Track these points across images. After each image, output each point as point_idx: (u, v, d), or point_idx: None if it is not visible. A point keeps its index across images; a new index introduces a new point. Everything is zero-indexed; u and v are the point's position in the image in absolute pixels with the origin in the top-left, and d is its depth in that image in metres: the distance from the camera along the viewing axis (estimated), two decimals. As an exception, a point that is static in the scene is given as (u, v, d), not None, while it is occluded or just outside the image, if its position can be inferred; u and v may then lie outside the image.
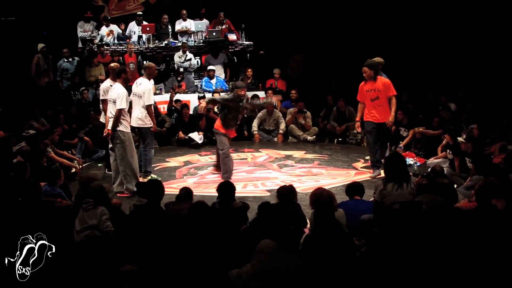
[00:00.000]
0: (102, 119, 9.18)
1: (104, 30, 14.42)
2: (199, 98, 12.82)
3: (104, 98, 8.87)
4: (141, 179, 8.70)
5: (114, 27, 14.57)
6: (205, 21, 14.90)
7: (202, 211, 5.43)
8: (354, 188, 6.60)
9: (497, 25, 12.35)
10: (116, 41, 14.38)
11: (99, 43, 14.09)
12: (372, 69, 9.08)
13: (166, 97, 13.12)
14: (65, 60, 13.64)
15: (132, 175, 8.39)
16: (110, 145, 8.57)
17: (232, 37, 14.65)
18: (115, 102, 8.28)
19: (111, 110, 8.36)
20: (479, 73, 12.59)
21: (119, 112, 8.23)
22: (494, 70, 12.37)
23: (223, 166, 9.19)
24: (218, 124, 9.30)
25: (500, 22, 12.26)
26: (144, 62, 13.89)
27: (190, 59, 14.05)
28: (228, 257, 4.69)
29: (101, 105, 9.22)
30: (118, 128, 8.28)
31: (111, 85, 8.71)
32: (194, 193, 6.64)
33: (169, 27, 14.77)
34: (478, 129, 9.66)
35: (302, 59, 14.70)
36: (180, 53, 14.06)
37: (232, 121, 9.30)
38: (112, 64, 9.30)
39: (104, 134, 8.51)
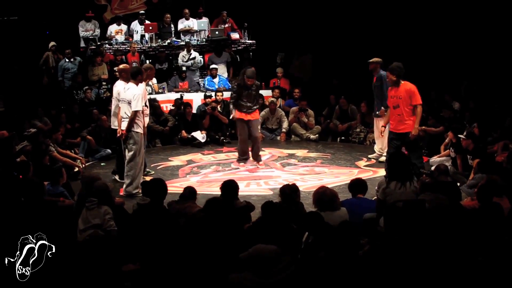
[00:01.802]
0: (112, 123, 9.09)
1: (114, 27, 14.47)
2: (206, 97, 12.80)
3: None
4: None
5: (124, 27, 14.63)
6: (206, 20, 14.90)
7: (217, 208, 5.44)
8: (357, 185, 6.55)
9: (499, 24, 12.34)
10: (124, 40, 14.43)
11: (107, 41, 14.16)
12: (393, 74, 8.53)
13: (169, 96, 13.15)
14: (67, 60, 13.65)
15: (135, 177, 8.36)
16: (123, 146, 8.54)
17: (235, 35, 14.66)
18: (129, 103, 8.24)
19: (125, 111, 8.32)
20: (481, 71, 12.58)
21: (135, 114, 8.22)
22: (496, 69, 12.36)
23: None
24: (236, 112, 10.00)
25: (502, 21, 12.25)
26: (147, 61, 13.92)
27: (194, 58, 14.06)
28: (230, 257, 4.68)
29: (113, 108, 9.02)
30: (132, 129, 8.28)
31: (124, 87, 8.53)
32: (197, 192, 6.65)
33: (172, 26, 14.78)
34: (478, 127, 9.63)
35: (309, 61, 14.71)
36: (185, 52, 14.07)
37: (242, 106, 9.87)
38: (121, 66, 9.19)
39: (118, 135, 8.45)
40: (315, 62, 14.69)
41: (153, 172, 9.66)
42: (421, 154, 9.22)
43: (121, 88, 8.59)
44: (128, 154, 8.37)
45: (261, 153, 10.64)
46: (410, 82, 8.69)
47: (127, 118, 8.29)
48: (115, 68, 12.64)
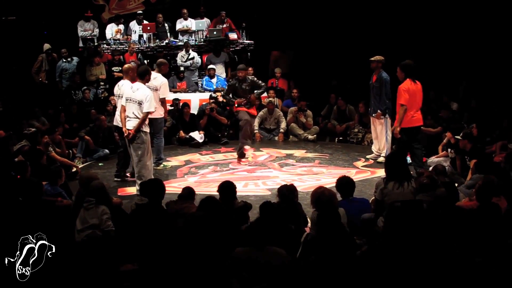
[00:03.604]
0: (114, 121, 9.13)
1: (113, 27, 14.46)
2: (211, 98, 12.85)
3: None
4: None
5: (122, 27, 14.64)
6: (206, 20, 14.92)
7: (212, 206, 5.44)
8: (344, 185, 6.38)
9: (498, 25, 12.35)
10: (122, 40, 14.44)
11: (107, 40, 14.25)
12: (402, 71, 8.73)
13: (167, 96, 13.13)
14: (64, 60, 13.64)
15: (147, 177, 8.33)
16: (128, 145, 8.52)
17: (233, 36, 14.65)
18: (140, 104, 8.23)
19: (133, 111, 8.30)
20: (479, 72, 12.60)
21: (147, 115, 8.28)
22: (494, 69, 12.38)
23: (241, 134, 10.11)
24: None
25: (501, 22, 12.27)
26: (145, 61, 13.91)
27: (193, 58, 14.07)
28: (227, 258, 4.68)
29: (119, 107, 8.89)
30: (141, 129, 8.29)
31: (132, 87, 8.45)
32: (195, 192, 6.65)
33: (166, 25, 14.76)
34: (477, 128, 9.64)
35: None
36: (183, 52, 14.08)
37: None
38: (127, 66, 9.11)
39: (125, 134, 8.40)
40: (313, 63, 14.67)
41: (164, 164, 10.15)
42: (420, 153, 9.10)
43: (127, 87, 8.50)
44: (135, 154, 8.37)
45: (259, 153, 10.64)
46: (412, 82, 8.79)
47: (135, 117, 8.28)
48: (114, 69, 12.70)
